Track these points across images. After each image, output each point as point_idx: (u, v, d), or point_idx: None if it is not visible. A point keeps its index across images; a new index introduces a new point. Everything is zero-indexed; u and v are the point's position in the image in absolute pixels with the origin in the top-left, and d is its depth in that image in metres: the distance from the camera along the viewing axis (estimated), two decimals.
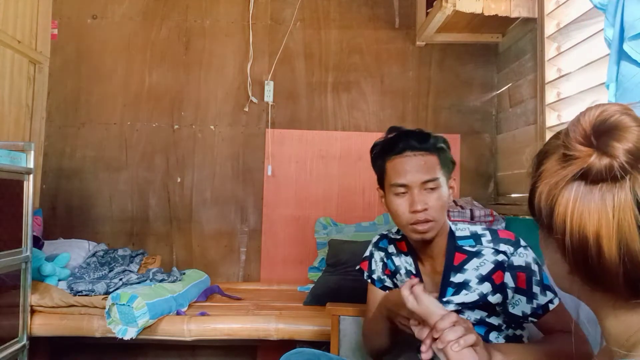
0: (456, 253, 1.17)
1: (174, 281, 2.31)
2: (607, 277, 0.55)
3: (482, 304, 1.15)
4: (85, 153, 2.86)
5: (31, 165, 2.08)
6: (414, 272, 1.24)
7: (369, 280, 1.35)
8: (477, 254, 1.16)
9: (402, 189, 1.13)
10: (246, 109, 2.88)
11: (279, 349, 2.31)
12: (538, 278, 1.11)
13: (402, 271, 1.27)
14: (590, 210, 0.54)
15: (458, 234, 1.19)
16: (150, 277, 2.28)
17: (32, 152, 2.09)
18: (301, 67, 2.91)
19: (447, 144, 1.20)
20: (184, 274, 2.48)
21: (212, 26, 2.92)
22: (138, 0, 2.92)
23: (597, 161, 0.54)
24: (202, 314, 2.14)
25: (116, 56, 2.90)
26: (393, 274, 1.30)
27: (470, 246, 1.17)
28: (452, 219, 2.32)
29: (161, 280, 2.27)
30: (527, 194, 0.65)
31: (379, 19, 2.92)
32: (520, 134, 2.52)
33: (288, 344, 2.21)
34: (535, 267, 1.12)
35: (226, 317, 2.13)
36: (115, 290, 2.07)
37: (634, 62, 1.43)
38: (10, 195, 1.95)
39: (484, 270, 1.14)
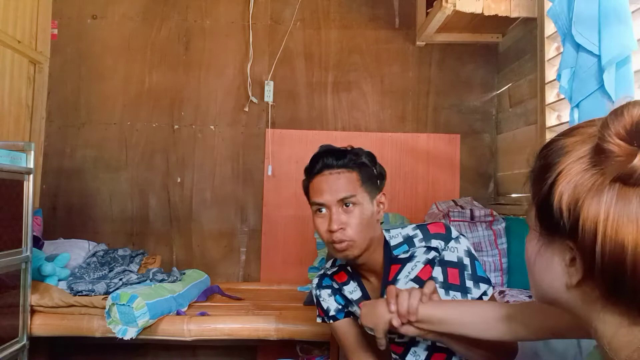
0: (392, 266, 1.15)
1: (174, 281, 2.31)
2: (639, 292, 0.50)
3: None
4: (85, 153, 2.86)
5: (31, 165, 2.08)
6: (360, 297, 1.22)
7: (331, 321, 1.28)
8: (410, 259, 1.14)
9: (320, 207, 1.13)
10: (246, 109, 2.88)
11: (279, 349, 2.32)
12: (470, 272, 1.11)
13: (353, 303, 1.24)
14: (629, 216, 0.49)
15: (392, 242, 1.17)
16: (150, 277, 2.28)
17: (32, 152, 2.09)
18: (301, 67, 2.91)
19: (370, 159, 1.17)
20: (184, 274, 2.48)
21: (212, 26, 2.92)
22: (138, 0, 2.92)
23: None
24: (202, 314, 2.14)
25: (116, 56, 2.90)
26: (345, 306, 1.28)
27: (404, 252, 1.15)
28: (452, 219, 2.32)
29: (161, 280, 2.27)
30: (530, 193, 0.59)
31: (379, 19, 2.92)
32: (520, 134, 2.52)
33: (288, 344, 2.21)
34: (467, 261, 1.11)
35: (226, 317, 2.13)
36: (115, 290, 2.07)
37: (590, 52, 1.46)
38: (10, 195, 1.95)
39: (414, 274, 1.13)
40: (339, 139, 2.85)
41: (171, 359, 2.66)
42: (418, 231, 1.16)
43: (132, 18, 2.91)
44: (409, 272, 1.13)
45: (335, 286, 1.28)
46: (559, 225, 0.54)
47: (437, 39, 2.79)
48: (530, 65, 2.37)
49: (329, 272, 1.30)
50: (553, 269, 0.58)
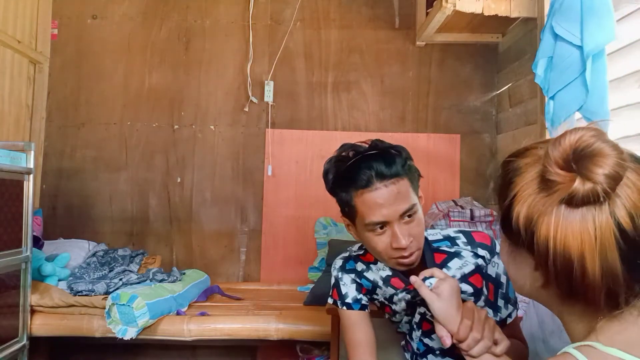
0: (435, 254, 1.11)
1: (174, 281, 2.31)
2: (589, 293, 0.59)
3: None
4: (85, 153, 2.86)
5: (31, 165, 2.08)
6: (390, 274, 1.16)
7: (344, 307, 1.19)
8: (457, 255, 1.10)
9: (379, 225, 1.00)
10: (246, 109, 2.88)
11: (279, 349, 2.31)
12: (504, 291, 1.09)
13: (380, 282, 1.18)
14: (573, 232, 0.58)
15: (431, 238, 1.12)
16: (150, 277, 2.28)
17: (32, 152, 2.09)
18: (301, 67, 2.91)
19: (410, 157, 1.05)
20: (184, 274, 2.48)
21: (212, 26, 2.92)
22: (138, 0, 2.92)
23: (581, 186, 0.57)
24: (202, 314, 2.14)
25: (116, 56, 2.90)
26: (371, 290, 1.20)
27: (447, 247, 1.11)
28: (452, 219, 2.32)
29: (161, 280, 2.27)
30: (497, 206, 0.68)
31: (379, 19, 2.92)
32: (520, 134, 2.52)
33: (288, 344, 2.21)
34: (503, 279, 1.09)
35: (226, 317, 2.13)
36: (115, 290, 2.07)
37: (570, 42, 1.48)
38: (10, 195, 1.95)
39: (467, 270, 1.09)
40: (339, 139, 2.84)
41: (171, 359, 2.65)
42: (460, 235, 1.13)
43: (132, 18, 2.91)
44: (460, 266, 1.09)
45: (360, 268, 1.20)
46: (519, 239, 0.63)
47: (437, 39, 2.79)
48: (530, 65, 2.36)
49: (354, 254, 1.23)
50: (523, 272, 0.67)
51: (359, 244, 1.25)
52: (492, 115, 2.88)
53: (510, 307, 1.10)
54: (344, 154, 1.06)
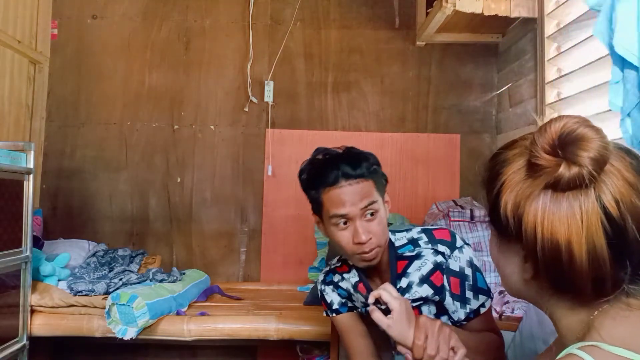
0: (398, 262, 1.17)
1: (174, 281, 2.31)
2: (577, 279, 0.59)
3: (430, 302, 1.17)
4: (85, 153, 2.86)
5: (31, 165, 2.08)
6: (358, 279, 1.23)
7: (334, 314, 1.29)
8: (418, 256, 1.16)
9: (342, 220, 1.08)
10: (246, 109, 2.88)
11: (279, 349, 2.32)
12: (471, 282, 1.13)
13: (352, 290, 1.25)
14: (560, 218, 0.58)
15: (397, 244, 1.18)
16: (150, 277, 2.28)
17: (32, 152, 2.09)
18: (301, 67, 2.91)
19: (378, 162, 1.14)
20: (184, 274, 2.48)
21: (212, 26, 2.92)
22: (138, 0, 2.91)
23: (567, 171, 0.57)
24: (202, 314, 2.14)
25: (116, 56, 2.90)
26: (348, 298, 1.28)
27: (409, 251, 1.17)
28: (452, 219, 2.32)
29: (161, 280, 2.27)
30: (485, 200, 0.68)
31: (379, 19, 2.92)
32: (520, 134, 2.50)
33: (288, 344, 2.21)
34: (468, 271, 1.13)
35: (226, 317, 2.13)
36: (115, 290, 2.07)
37: (631, 64, 1.38)
38: (10, 195, 1.95)
39: (425, 271, 1.15)
40: (339, 139, 2.85)
41: (171, 359, 2.66)
42: (423, 234, 1.18)
43: (132, 18, 2.91)
44: (419, 267, 1.15)
45: (337, 279, 1.29)
46: (507, 229, 0.63)
47: (437, 39, 2.79)
48: (530, 65, 2.37)
49: (332, 267, 1.32)
50: (512, 266, 0.67)
51: (338, 257, 1.33)
52: (492, 115, 2.88)
53: (482, 297, 1.13)
54: (318, 156, 1.15)
